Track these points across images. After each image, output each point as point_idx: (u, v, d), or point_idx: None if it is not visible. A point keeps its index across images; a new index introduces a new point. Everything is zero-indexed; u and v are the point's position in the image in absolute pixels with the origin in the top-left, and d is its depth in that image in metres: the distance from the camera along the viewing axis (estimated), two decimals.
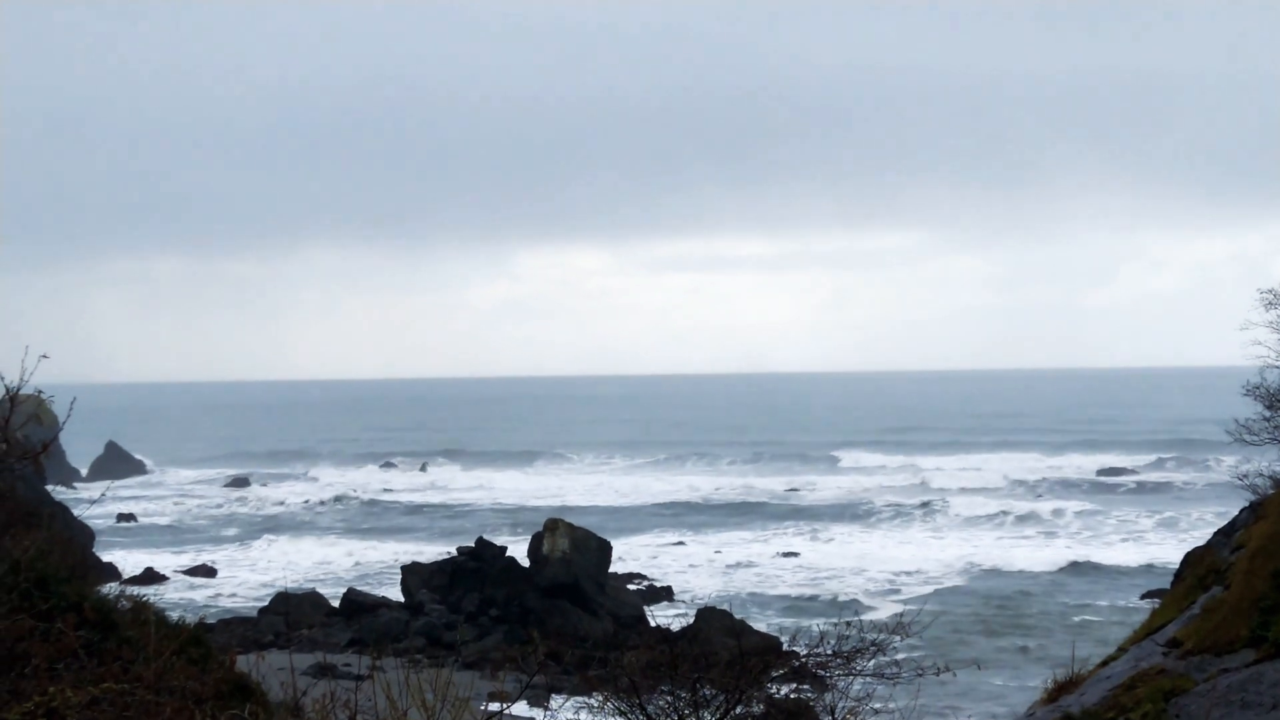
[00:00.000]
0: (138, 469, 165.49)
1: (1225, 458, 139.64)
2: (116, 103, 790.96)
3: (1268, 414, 26.77)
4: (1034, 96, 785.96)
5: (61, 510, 67.02)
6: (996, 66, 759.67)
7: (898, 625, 17.57)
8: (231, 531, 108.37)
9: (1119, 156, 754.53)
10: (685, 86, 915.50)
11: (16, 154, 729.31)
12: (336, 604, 66.78)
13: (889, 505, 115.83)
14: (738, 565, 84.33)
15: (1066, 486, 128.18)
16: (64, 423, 14.51)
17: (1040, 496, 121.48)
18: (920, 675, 17.72)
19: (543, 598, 62.88)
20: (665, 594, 73.40)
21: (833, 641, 17.37)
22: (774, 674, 18.32)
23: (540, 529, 66.42)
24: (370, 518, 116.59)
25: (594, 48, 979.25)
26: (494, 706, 14.40)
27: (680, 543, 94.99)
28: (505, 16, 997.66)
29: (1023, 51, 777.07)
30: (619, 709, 17.05)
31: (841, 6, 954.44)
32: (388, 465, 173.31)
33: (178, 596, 72.58)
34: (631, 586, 72.62)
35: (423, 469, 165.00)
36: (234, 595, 76.36)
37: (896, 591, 73.39)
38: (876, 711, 17.73)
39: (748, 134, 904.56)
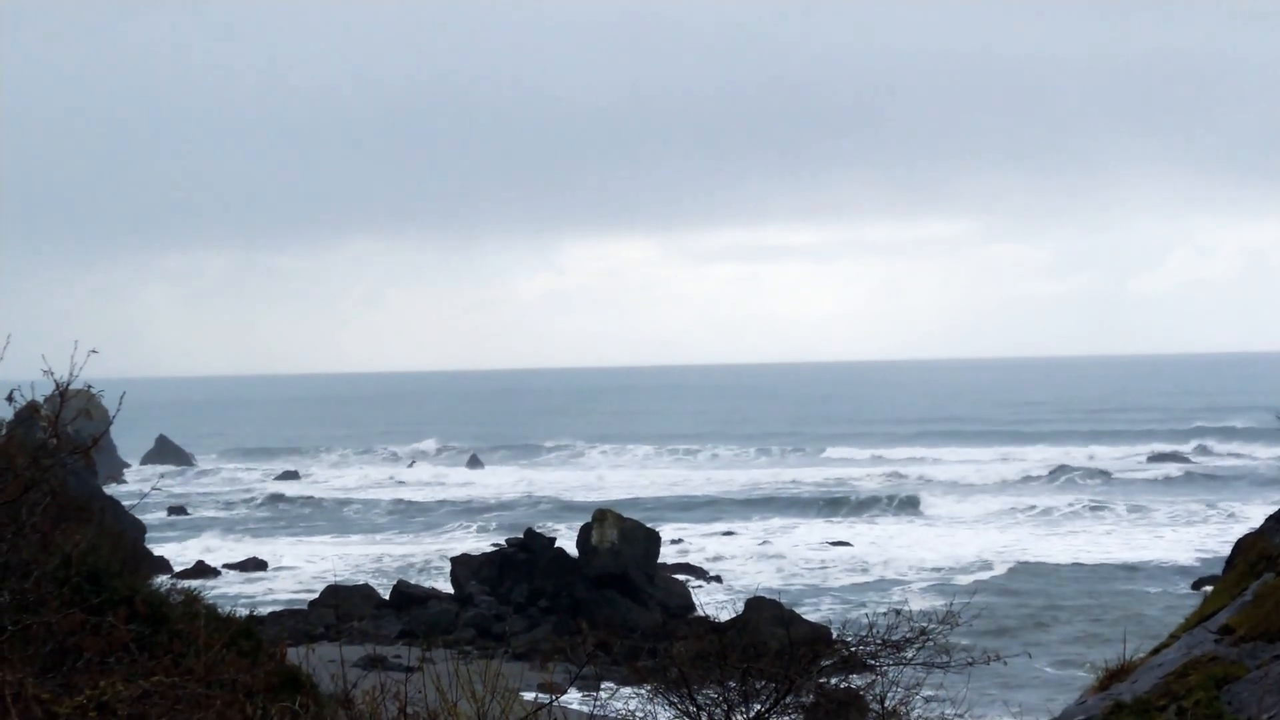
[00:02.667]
0: (187, 463, 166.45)
1: (1274, 444, 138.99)
2: (166, 100, 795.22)
3: None
4: (1084, 81, 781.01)
5: (112, 504, 67.34)
6: (1046, 51, 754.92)
7: (947, 614, 17.52)
8: (281, 524, 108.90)
9: (1169, 141, 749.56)
10: (733, 76, 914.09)
11: (67, 153, 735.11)
12: (386, 596, 67.01)
13: (934, 495, 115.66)
14: (785, 555, 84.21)
15: (1112, 474, 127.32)
16: (114, 417, 14.58)
17: (1086, 485, 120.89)
18: (971, 664, 17.67)
19: (592, 588, 62.96)
20: (714, 584, 73.39)
21: (882, 631, 17.33)
22: (823, 663, 18.30)
23: (588, 520, 66.50)
24: (419, 510, 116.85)
25: (642, 39, 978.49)
26: (544, 697, 14.41)
27: (729, 533, 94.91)
28: (554, 8, 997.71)
29: (1073, 36, 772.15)
30: (669, 699, 17.05)
31: None
32: (435, 457, 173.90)
33: (228, 589, 72.96)
34: (680, 577, 72.59)
35: (470, 461, 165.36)
36: (284, 588, 76.69)
37: (943, 581, 73.13)
38: (927, 700, 17.69)
39: (796, 123, 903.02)
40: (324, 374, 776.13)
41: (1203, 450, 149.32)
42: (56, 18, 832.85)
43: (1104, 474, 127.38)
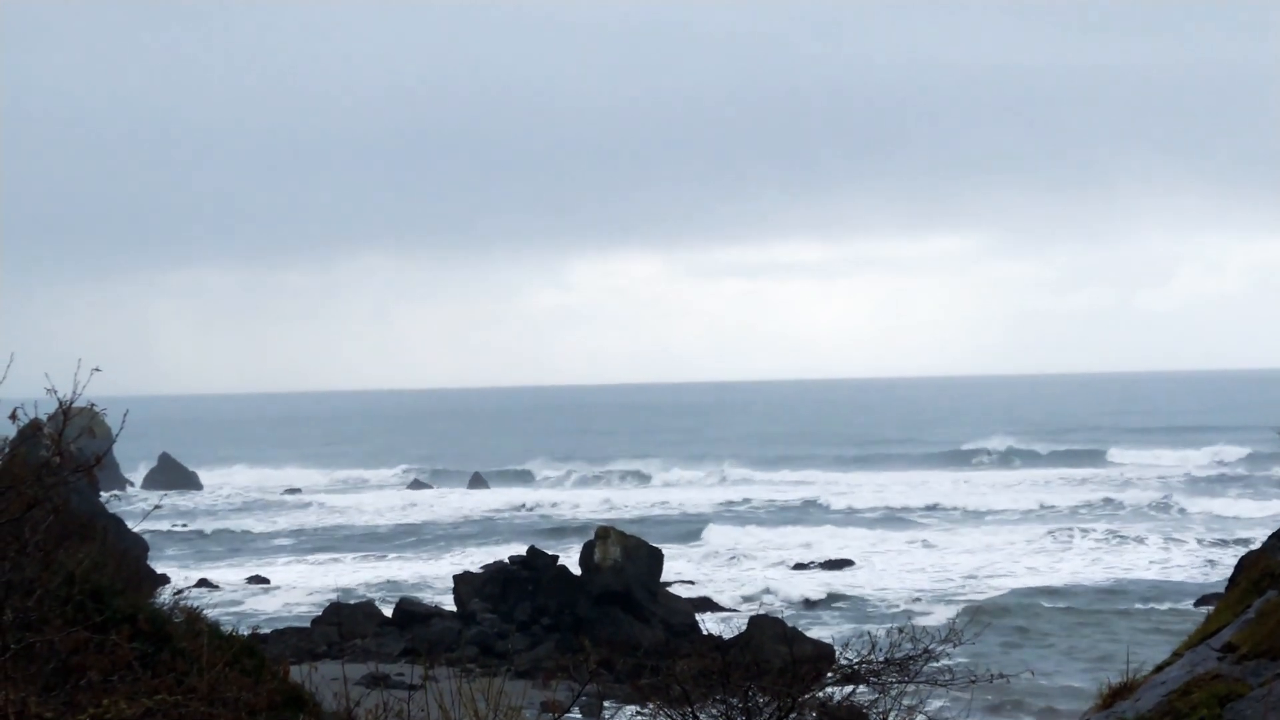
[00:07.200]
0: (191, 480, 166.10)
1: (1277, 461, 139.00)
2: (174, 115, 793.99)
3: None
4: (1093, 96, 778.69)
5: (115, 522, 67.34)
6: (1056, 66, 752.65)
7: (950, 632, 17.53)
8: (285, 542, 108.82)
9: (1179, 157, 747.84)
10: (741, 91, 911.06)
11: (74, 167, 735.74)
12: (389, 614, 66.96)
13: (939, 514, 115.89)
14: (790, 573, 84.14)
15: (1115, 493, 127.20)
16: (117, 435, 14.59)
17: (1091, 506, 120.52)
18: (974, 682, 17.67)
19: (594, 606, 62.91)
20: (716, 602, 73.29)
21: (885, 648, 17.34)
22: (826, 680, 18.30)
23: (591, 537, 66.47)
24: (422, 527, 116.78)
25: (650, 52, 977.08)
26: (547, 715, 14.42)
27: (733, 550, 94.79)
28: (560, 21, 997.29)
29: (1082, 51, 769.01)
30: (671, 717, 17.05)
31: (898, 6, 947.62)
32: (439, 475, 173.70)
33: (231, 608, 72.93)
34: (683, 594, 72.50)
35: (473, 480, 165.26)
36: (287, 606, 76.64)
37: (947, 599, 73.08)
38: (931, 719, 17.68)
39: (804, 138, 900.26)
40: (331, 391, 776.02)
41: (1205, 467, 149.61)
42: (58, 30, 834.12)
43: (1103, 493, 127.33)
